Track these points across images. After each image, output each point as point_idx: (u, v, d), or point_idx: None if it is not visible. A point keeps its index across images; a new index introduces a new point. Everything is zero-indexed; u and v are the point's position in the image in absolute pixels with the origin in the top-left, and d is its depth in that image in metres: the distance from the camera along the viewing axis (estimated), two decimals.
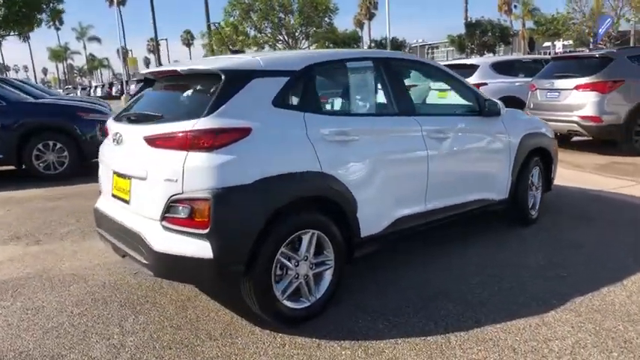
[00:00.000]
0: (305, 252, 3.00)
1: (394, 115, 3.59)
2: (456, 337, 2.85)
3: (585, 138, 8.72)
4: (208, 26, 42.18)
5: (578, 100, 8.24)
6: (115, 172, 3.27)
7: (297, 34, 26.16)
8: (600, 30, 17.15)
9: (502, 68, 10.92)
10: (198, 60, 3.87)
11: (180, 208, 2.71)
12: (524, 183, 4.62)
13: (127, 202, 3.11)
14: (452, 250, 4.19)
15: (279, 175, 2.82)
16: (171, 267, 2.82)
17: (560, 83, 8.64)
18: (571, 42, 47.47)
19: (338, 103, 3.43)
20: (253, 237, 2.74)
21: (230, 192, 2.66)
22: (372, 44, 48.26)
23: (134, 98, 3.72)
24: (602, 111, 7.99)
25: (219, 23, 31.50)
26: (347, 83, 3.59)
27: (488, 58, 12.40)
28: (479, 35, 42.85)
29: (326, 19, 27.42)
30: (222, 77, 2.88)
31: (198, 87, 3.09)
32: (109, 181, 3.37)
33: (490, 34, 43.09)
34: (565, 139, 9.07)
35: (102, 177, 3.55)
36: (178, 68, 3.18)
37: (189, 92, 3.15)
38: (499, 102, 4.16)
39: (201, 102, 2.92)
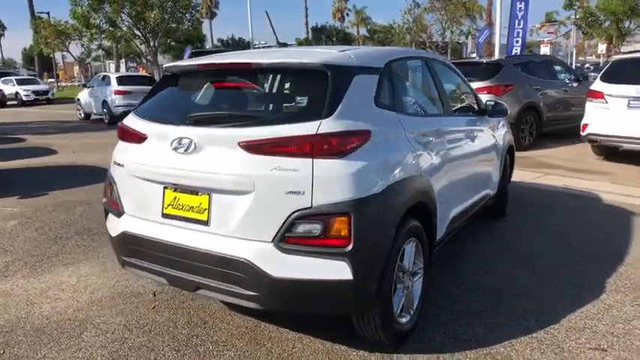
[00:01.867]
0: (408, 263, 2.81)
1: (445, 115, 3.58)
2: (554, 330, 2.95)
3: None
4: (32, 14, 36.85)
5: None
6: (171, 187, 2.64)
7: (157, 29, 24.14)
8: (480, 39, 19.58)
9: None
10: (258, 53, 3.27)
11: (309, 225, 2.31)
12: (505, 177, 4.99)
13: (203, 222, 2.54)
14: (462, 247, 4.32)
15: (399, 182, 2.60)
16: (294, 295, 2.39)
17: None
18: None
19: (410, 103, 3.26)
20: (386, 251, 2.47)
21: (367, 203, 2.35)
22: (219, 44, 47.25)
23: (156, 95, 3.06)
24: None
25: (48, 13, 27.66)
26: (413, 82, 3.45)
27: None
28: (324, 40, 44.97)
29: (187, 15, 25.96)
30: (329, 74, 2.52)
31: (293, 83, 2.66)
32: (154, 198, 2.71)
33: (335, 39, 45.55)
34: None
35: (128, 191, 2.85)
36: (263, 61, 2.69)
37: (282, 89, 2.68)
38: (504, 103, 4.41)
39: (308, 101, 2.52)
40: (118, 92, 14.72)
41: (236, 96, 2.94)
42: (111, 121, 15.05)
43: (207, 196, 2.52)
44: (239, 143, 2.42)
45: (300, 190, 2.30)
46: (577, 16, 27.43)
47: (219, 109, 2.79)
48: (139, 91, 14.68)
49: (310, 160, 2.31)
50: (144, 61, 35.07)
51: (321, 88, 2.51)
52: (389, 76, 2.94)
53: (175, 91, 3.03)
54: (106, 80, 15.95)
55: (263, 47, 23.01)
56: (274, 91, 2.76)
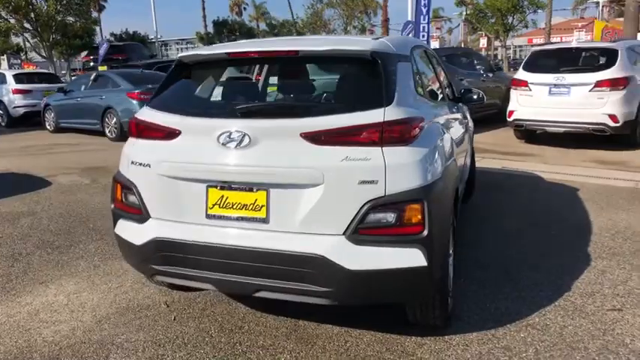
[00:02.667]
0: (452, 244, 2.88)
1: (445, 101, 3.70)
2: (571, 297, 3.19)
3: None
4: None
5: None
6: (218, 185, 2.45)
7: (51, 22, 21.68)
8: (403, 34, 20.12)
9: None
10: (292, 41, 3.07)
11: (383, 214, 2.27)
12: (473, 162, 5.28)
13: (260, 220, 2.39)
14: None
15: (448, 166, 2.66)
16: (369, 287, 2.34)
17: None
18: None
19: (428, 89, 3.29)
20: (449, 235, 2.51)
21: (434, 188, 2.37)
22: (112, 38, 44.12)
23: (175, 85, 2.82)
24: None
25: None
26: (426, 69, 3.49)
27: None
28: (226, 34, 43.94)
29: (84, 7, 23.71)
30: (379, 61, 2.49)
31: (342, 71, 2.58)
32: (194, 199, 2.50)
33: (238, 33, 44.66)
34: None
35: (156, 194, 2.60)
36: (310, 48, 2.57)
37: (329, 77, 2.58)
38: (480, 91, 4.63)
39: (363, 88, 2.47)
40: (16, 91, 13.18)
41: (282, 85, 2.78)
42: (9, 124, 13.48)
43: (265, 192, 2.38)
44: (302, 134, 2.31)
45: (373, 179, 2.25)
46: (467, 12, 29.75)
47: (269, 99, 2.62)
48: (41, 89, 13.30)
49: (380, 148, 2.28)
50: (26, 57, 31.73)
51: (373, 75, 2.48)
52: (414, 63, 2.98)
53: (200, 82, 2.81)
54: None
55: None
56: (322, 79, 2.65)
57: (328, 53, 2.56)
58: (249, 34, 47.50)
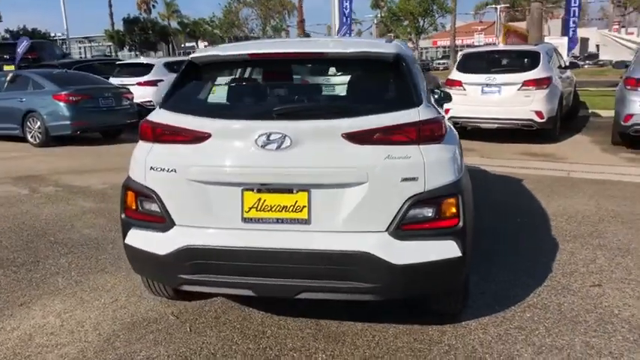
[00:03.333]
0: None
1: None
2: (555, 277, 3.51)
3: None
4: None
5: None
6: (254, 187, 2.41)
7: None
8: (339, 34, 20.24)
9: (173, 67, 12.29)
10: (312, 43, 3.01)
11: (423, 209, 2.38)
12: None
13: (302, 221, 2.40)
14: None
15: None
16: (412, 280, 2.43)
17: None
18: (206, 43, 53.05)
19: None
20: (472, 223, 2.66)
21: (463, 181, 2.53)
22: (7, 35, 40.26)
23: (191, 86, 2.72)
24: None
25: None
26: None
27: (161, 59, 13.69)
28: (138, 32, 41.83)
29: None
30: (404, 63, 2.60)
31: (367, 72, 2.63)
32: (228, 203, 2.44)
33: (151, 32, 42.67)
34: None
35: (183, 200, 2.50)
36: (337, 50, 2.58)
37: (355, 78, 2.61)
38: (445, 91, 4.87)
39: (392, 89, 2.55)
40: None
41: (309, 86, 2.77)
42: None
43: (306, 193, 2.39)
44: (343, 134, 2.35)
45: (414, 176, 2.35)
46: (382, 15, 30.97)
47: (301, 100, 2.61)
48: None
49: (418, 146, 2.38)
50: None
51: (400, 76, 2.58)
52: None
53: (218, 83, 2.73)
54: None
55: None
56: (347, 80, 2.68)
57: (354, 55, 2.61)
58: (163, 32, 45.70)
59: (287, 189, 2.40)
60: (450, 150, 2.49)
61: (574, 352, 2.62)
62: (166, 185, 2.53)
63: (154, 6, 57.81)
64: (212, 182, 2.46)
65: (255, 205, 2.43)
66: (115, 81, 11.75)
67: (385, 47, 2.68)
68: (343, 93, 2.87)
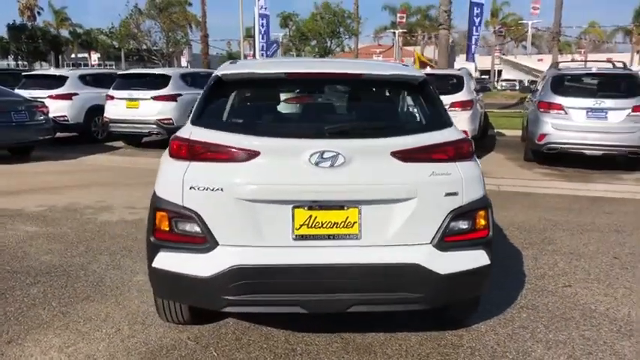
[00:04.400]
0: None
1: None
2: (532, 280, 3.90)
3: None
4: None
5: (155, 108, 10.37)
6: (305, 205, 2.45)
7: None
8: (269, 52, 19.95)
9: (90, 80, 11.90)
10: (339, 63, 3.09)
11: (461, 222, 2.58)
12: None
13: (353, 237, 2.48)
14: None
15: None
16: (452, 288, 2.60)
17: (138, 94, 10.49)
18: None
19: None
20: None
21: (487, 196, 2.76)
22: None
23: (223, 103, 2.69)
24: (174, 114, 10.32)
25: None
26: None
27: (75, 71, 13.08)
28: (25, 40, 38.19)
29: None
30: (430, 86, 2.80)
31: (397, 94, 2.78)
32: (277, 220, 2.45)
33: (41, 40, 39.15)
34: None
35: (229, 219, 2.47)
36: (371, 72, 2.70)
37: (388, 99, 2.74)
38: None
39: (424, 110, 2.73)
40: None
41: (347, 105, 2.84)
42: None
43: (357, 209, 2.47)
44: (392, 153, 2.48)
45: (455, 191, 2.54)
46: (291, 34, 31.56)
47: (345, 119, 2.68)
48: None
49: (455, 163, 2.58)
50: None
51: (429, 98, 2.78)
52: None
53: (253, 100, 2.73)
54: None
55: None
56: (380, 101, 2.80)
57: (389, 77, 2.76)
58: (55, 42, 42.22)
59: (338, 206, 2.47)
60: (479, 167, 2.72)
61: (577, 344, 2.96)
62: (210, 204, 2.47)
63: (39, 13, 53.45)
64: (261, 200, 2.45)
65: (307, 222, 2.47)
66: (21, 94, 10.74)
67: (411, 70, 2.87)
68: (380, 113, 2.99)
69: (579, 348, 2.93)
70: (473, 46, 17.14)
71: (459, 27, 43.84)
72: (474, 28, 17.05)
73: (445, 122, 2.68)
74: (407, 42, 59.16)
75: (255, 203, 2.45)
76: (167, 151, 2.76)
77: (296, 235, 2.47)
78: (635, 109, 7.99)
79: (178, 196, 2.51)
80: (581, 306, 3.47)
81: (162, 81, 10.60)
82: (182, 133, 2.64)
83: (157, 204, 2.58)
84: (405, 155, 2.50)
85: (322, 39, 30.60)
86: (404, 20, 43.01)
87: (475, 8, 16.95)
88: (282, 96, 2.93)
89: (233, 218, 2.47)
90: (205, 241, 2.48)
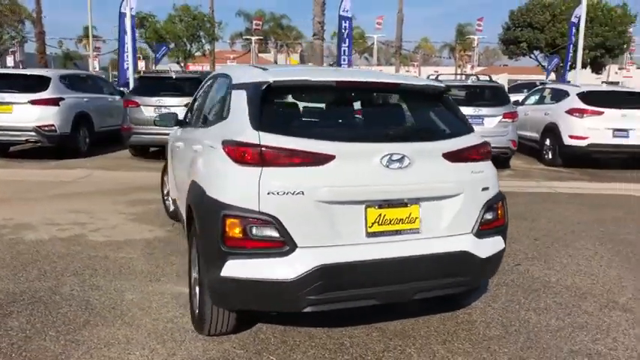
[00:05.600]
0: None
1: None
2: None
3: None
4: None
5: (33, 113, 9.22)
6: (376, 204, 2.64)
7: None
8: (157, 55, 17.58)
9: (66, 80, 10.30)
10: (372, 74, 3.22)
11: (490, 213, 3.00)
12: None
13: (414, 231, 2.74)
14: None
15: None
16: (486, 269, 3.00)
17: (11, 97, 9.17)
18: None
19: None
20: None
21: None
22: None
23: (278, 109, 2.76)
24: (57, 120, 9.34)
25: None
26: None
27: (57, 71, 11.09)
28: None
29: None
30: (450, 95, 3.19)
31: (427, 102, 3.08)
32: (352, 220, 2.62)
33: None
34: None
35: (308, 221, 2.56)
36: (405, 82, 2.99)
37: (420, 107, 3.04)
38: None
39: (451, 116, 3.10)
40: None
41: (387, 111, 3.05)
42: None
43: (417, 206, 2.74)
44: (443, 154, 2.80)
45: (487, 186, 2.97)
46: (147, 36, 29.86)
47: (397, 124, 2.89)
48: None
49: (485, 162, 3.01)
50: None
51: (452, 106, 3.17)
52: None
53: (305, 106, 2.82)
54: None
55: None
56: (418, 108, 3.05)
57: (421, 87, 3.08)
58: None
59: (403, 203, 2.71)
60: (493, 165, 3.18)
61: (554, 308, 3.60)
62: (290, 208, 2.51)
63: None
64: (338, 202, 2.58)
65: (377, 220, 2.66)
66: None
67: (435, 81, 3.23)
68: (424, 119, 3.24)
69: (559, 310, 3.57)
70: (342, 57, 18.29)
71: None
72: (343, 40, 18.23)
73: (470, 127, 3.09)
74: (261, 50, 60.06)
75: (332, 205, 2.57)
76: (217, 156, 2.72)
77: (368, 233, 2.65)
78: (505, 115, 9.48)
79: (254, 201, 2.51)
80: (538, 279, 4.18)
81: (39, 83, 9.41)
82: (243, 138, 2.62)
83: (225, 211, 2.53)
84: (453, 156, 2.85)
85: (182, 42, 29.60)
86: (260, 27, 43.66)
87: (344, 22, 18.13)
88: (331, 102, 3.06)
89: (312, 220, 2.55)
90: (284, 245, 2.52)
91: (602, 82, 25.30)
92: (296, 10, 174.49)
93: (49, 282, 3.83)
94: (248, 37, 46.91)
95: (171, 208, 5.60)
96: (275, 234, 2.52)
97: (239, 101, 2.89)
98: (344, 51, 18.27)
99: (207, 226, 2.65)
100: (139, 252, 4.58)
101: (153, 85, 10.00)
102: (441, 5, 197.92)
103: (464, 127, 3.09)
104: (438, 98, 3.17)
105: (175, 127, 5.57)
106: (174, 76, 10.29)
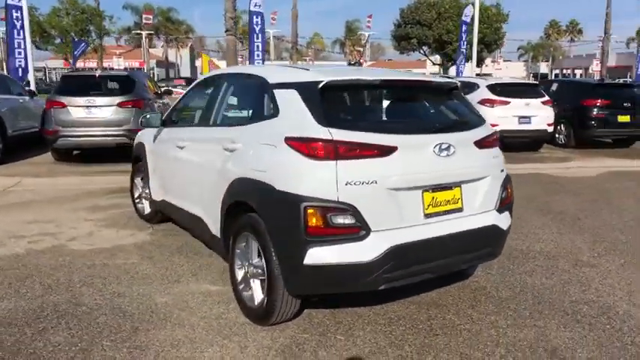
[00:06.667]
0: None
1: None
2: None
3: None
4: None
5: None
6: (430, 188, 2.98)
7: None
8: (76, 52, 15.11)
9: None
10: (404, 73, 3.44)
11: (504, 191, 3.47)
12: None
13: (458, 210, 3.12)
14: None
15: None
16: (504, 241, 3.47)
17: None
18: None
19: None
20: None
21: None
22: None
23: (341, 106, 2.99)
24: None
25: None
26: None
27: None
28: None
29: None
30: (460, 90, 3.61)
31: (447, 97, 3.45)
32: (412, 204, 2.93)
33: None
34: None
35: (379, 207, 2.82)
36: (435, 80, 3.31)
37: (443, 101, 3.39)
38: None
39: (466, 109, 3.51)
40: None
41: (427, 105, 3.35)
42: None
43: (459, 188, 3.13)
44: (474, 142, 3.21)
45: (502, 169, 3.44)
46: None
47: (437, 116, 3.22)
48: None
49: (497, 148, 3.47)
50: None
51: (465, 99, 3.59)
52: None
53: (361, 102, 3.06)
54: None
55: None
56: (441, 102, 3.39)
57: (446, 84, 3.44)
58: None
59: (449, 187, 3.07)
60: None
61: (539, 271, 4.22)
62: (365, 196, 2.75)
63: None
64: (403, 188, 2.86)
65: (432, 203, 2.99)
66: None
67: (453, 79, 3.62)
68: (454, 111, 3.51)
69: (543, 271, 4.19)
70: (255, 52, 18.30)
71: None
72: (255, 35, 18.24)
73: (483, 118, 3.53)
74: (151, 45, 57.23)
75: (398, 191, 2.86)
76: (281, 152, 2.86)
77: (425, 214, 2.97)
78: None
79: (333, 192, 2.70)
80: (514, 248, 4.78)
81: None
82: (314, 134, 2.78)
83: (306, 202, 2.69)
84: (480, 143, 3.26)
85: (69, 37, 27.37)
86: (150, 22, 41.65)
87: (255, 17, 18.13)
88: (379, 98, 3.30)
89: (382, 206, 2.81)
90: (360, 230, 2.76)
91: (476, 74, 28.05)
92: (181, 4, 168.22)
93: (62, 295, 3.63)
94: (138, 31, 44.52)
95: (147, 210, 5.46)
96: (353, 221, 2.74)
97: (290, 100, 3.04)
98: (257, 46, 18.31)
99: (284, 218, 2.78)
100: (136, 257, 4.45)
101: (80, 84, 9.34)
102: (330, 1, 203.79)
103: (480, 118, 3.53)
104: (457, 93, 3.58)
105: (148, 129, 5.45)
106: (97, 74, 9.72)
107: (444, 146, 3.03)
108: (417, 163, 2.95)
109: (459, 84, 3.58)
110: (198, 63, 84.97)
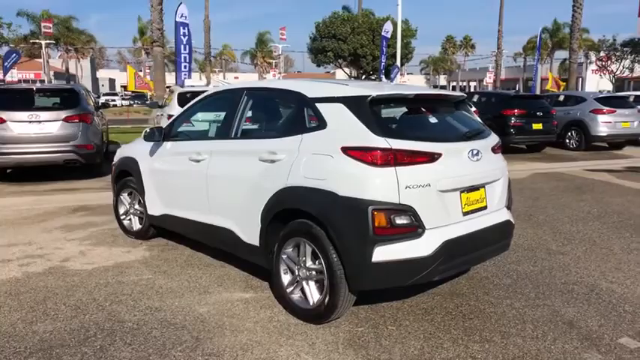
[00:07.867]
0: None
1: None
2: None
3: None
4: None
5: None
6: (465, 190, 3.40)
7: None
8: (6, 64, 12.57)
9: None
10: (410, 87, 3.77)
11: (509, 191, 4.00)
12: None
13: (484, 208, 3.57)
14: None
15: None
16: (512, 235, 3.98)
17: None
18: None
19: None
20: None
21: None
22: None
23: (382, 117, 3.34)
24: None
25: None
26: None
27: None
28: None
29: None
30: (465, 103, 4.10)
31: (460, 108, 3.89)
32: (453, 203, 3.33)
33: None
34: None
35: (431, 207, 3.19)
36: (451, 94, 3.78)
37: (459, 111, 3.83)
38: None
39: (475, 119, 3.99)
40: None
41: (453, 116, 3.75)
42: None
43: (484, 189, 3.59)
44: (491, 148, 3.69)
45: (505, 173, 3.95)
46: None
47: (465, 126, 3.62)
48: None
49: (501, 154, 3.99)
50: None
51: (470, 110, 4.08)
52: None
53: (400, 115, 3.41)
54: None
55: None
56: (460, 113, 3.81)
57: (457, 97, 3.88)
58: None
59: (477, 188, 3.51)
60: None
61: (524, 260, 4.82)
62: (421, 198, 3.09)
63: None
64: (448, 190, 3.25)
65: (467, 202, 3.40)
66: None
67: (459, 92, 4.10)
68: (472, 121, 3.90)
69: (528, 260, 4.80)
70: (182, 64, 17.96)
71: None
72: (182, 46, 17.91)
73: (486, 130, 4.03)
74: (35, 54, 53.05)
75: (445, 192, 3.24)
76: (339, 161, 3.12)
77: (464, 212, 3.38)
78: None
79: (394, 195, 3.02)
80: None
81: None
82: (373, 144, 3.07)
83: (372, 206, 2.98)
84: (495, 149, 3.76)
85: None
86: (50, 30, 38.78)
87: (181, 28, 17.81)
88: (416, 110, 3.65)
89: (434, 206, 3.17)
90: (417, 228, 3.09)
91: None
92: (81, 12, 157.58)
93: (97, 314, 3.55)
94: (35, 40, 41.30)
95: (136, 226, 5.35)
96: (412, 220, 3.07)
97: (337, 113, 3.31)
98: (184, 58, 17.99)
99: (351, 221, 3.03)
100: (148, 272, 4.40)
101: (19, 98, 8.70)
102: (239, 12, 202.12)
103: (486, 127, 4.03)
104: (466, 105, 4.06)
105: (133, 143, 5.39)
106: (35, 88, 9.13)
107: (475, 152, 3.47)
108: (457, 167, 3.36)
109: (466, 97, 4.09)
110: (99, 74, 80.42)
